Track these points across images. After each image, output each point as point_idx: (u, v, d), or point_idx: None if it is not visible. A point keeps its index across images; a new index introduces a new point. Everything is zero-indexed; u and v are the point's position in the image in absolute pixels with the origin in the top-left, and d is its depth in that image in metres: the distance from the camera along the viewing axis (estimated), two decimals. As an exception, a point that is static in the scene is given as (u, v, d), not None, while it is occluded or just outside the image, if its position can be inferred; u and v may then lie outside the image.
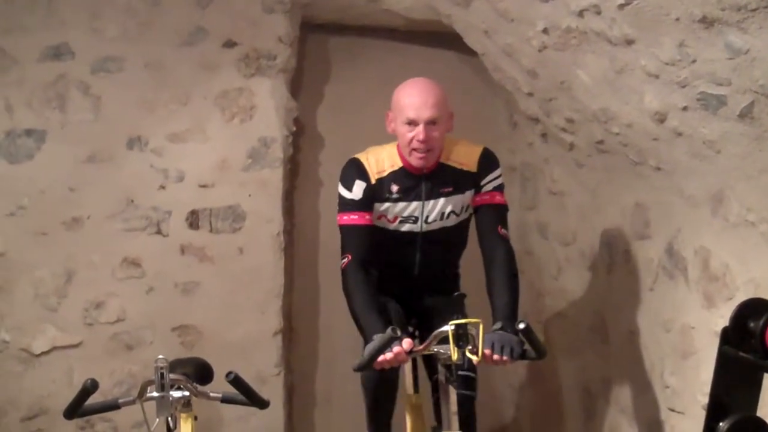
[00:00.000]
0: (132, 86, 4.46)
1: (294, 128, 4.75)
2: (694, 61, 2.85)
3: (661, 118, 3.25)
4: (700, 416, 2.93)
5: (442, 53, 5.01)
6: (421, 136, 3.34)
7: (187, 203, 4.55)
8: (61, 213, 4.39)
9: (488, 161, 3.58)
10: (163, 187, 4.51)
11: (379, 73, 4.99)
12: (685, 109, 3.08)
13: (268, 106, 4.62)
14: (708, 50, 2.75)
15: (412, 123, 3.35)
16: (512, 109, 4.99)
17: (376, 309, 3.33)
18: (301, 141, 4.96)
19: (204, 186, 4.56)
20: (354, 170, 3.52)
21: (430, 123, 3.34)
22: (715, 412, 2.69)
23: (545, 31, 3.58)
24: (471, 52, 4.63)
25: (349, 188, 3.49)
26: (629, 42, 3.09)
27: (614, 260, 4.23)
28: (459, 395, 3.22)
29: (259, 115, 4.61)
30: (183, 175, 4.52)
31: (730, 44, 2.65)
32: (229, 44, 4.57)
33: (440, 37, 4.89)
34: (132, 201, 4.47)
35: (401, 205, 3.52)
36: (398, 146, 3.52)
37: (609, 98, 3.54)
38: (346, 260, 3.45)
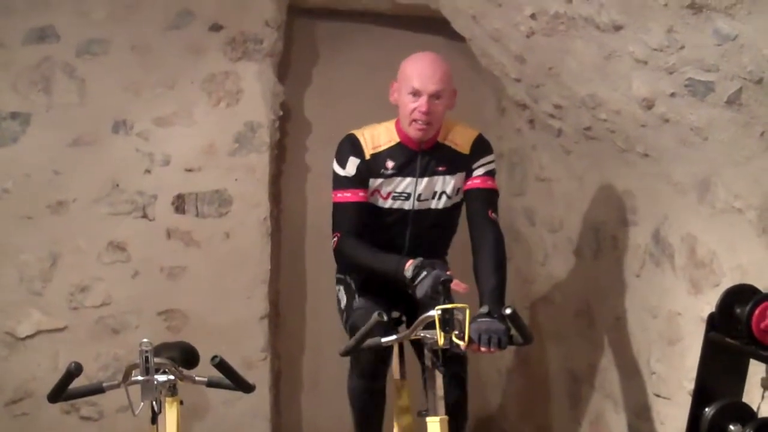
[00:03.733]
0: (118, 69, 4.44)
1: (281, 113, 4.73)
2: (682, 48, 2.85)
3: (648, 105, 3.26)
4: (686, 402, 2.95)
5: (430, 38, 4.98)
6: (423, 108, 3.36)
7: (173, 187, 4.53)
8: (46, 197, 4.37)
9: (482, 146, 3.60)
10: (148, 171, 4.49)
11: (366, 58, 4.98)
12: (672, 95, 3.08)
13: (254, 90, 4.60)
14: (696, 36, 2.75)
15: (416, 94, 3.38)
16: (500, 95, 4.99)
17: (382, 252, 3.42)
18: (288, 126, 4.94)
19: (190, 170, 4.54)
20: (348, 146, 3.53)
21: (434, 96, 3.37)
22: (701, 397, 2.71)
23: (533, 16, 3.57)
24: (458, 38, 4.61)
25: (343, 165, 3.51)
26: (617, 28, 3.08)
27: (601, 247, 4.23)
28: (450, 375, 3.24)
29: (245, 100, 4.59)
30: (169, 159, 4.50)
31: (719, 30, 2.65)
32: (216, 27, 4.54)
33: (428, 22, 4.87)
34: (117, 185, 4.45)
35: (395, 180, 3.53)
36: (396, 122, 3.55)
37: (597, 84, 3.54)
38: (336, 239, 3.49)
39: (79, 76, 4.39)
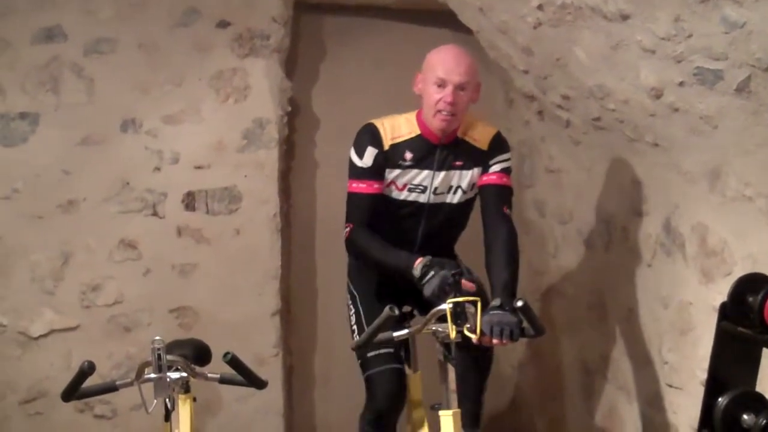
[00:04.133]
0: (125, 68, 4.44)
1: (289, 109, 4.73)
2: (690, 36, 2.84)
3: (657, 94, 3.24)
4: (698, 392, 2.94)
5: (437, 31, 4.97)
6: (448, 98, 3.35)
7: (182, 185, 4.54)
8: (56, 196, 4.38)
9: (500, 143, 3.60)
10: (158, 169, 4.49)
11: (373, 52, 4.98)
12: (681, 84, 3.07)
13: (262, 86, 4.60)
14: (704, 24, 2.74)
15: (441, 84, 3.37)
16: (508, 87, 4.98)
17: (395, 248, 3.42)
18: (296, 121, 4.93)
19: (200, 167, 4.54)
20: (368, 136, 3.52)
21: (459, 87, 3.37)
22: (713, 387, 2.70)
23: (540, 7, 3.56)
24: (466, 30, 4.60)
25: (360, 155, 3.50)
26: (625, 17, 3.07)
27: (612, 237, 4.23)
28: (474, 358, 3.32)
29: (253, 96, 4.59)
30: (178, 156, 4.51)
31: (726, 18, 2.63)
32: (223, 24, 4.55)
33: (434, 15, 4.86)
34: (127, 183, 4.45)
35: (412, 172, 3.53)
36: (417, 114, 3.54)
37: (605, 74, 3.53)
38: (348, 229, 3.49)
39: (87, 76, 4.40)
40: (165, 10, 4.48)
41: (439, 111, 3.40)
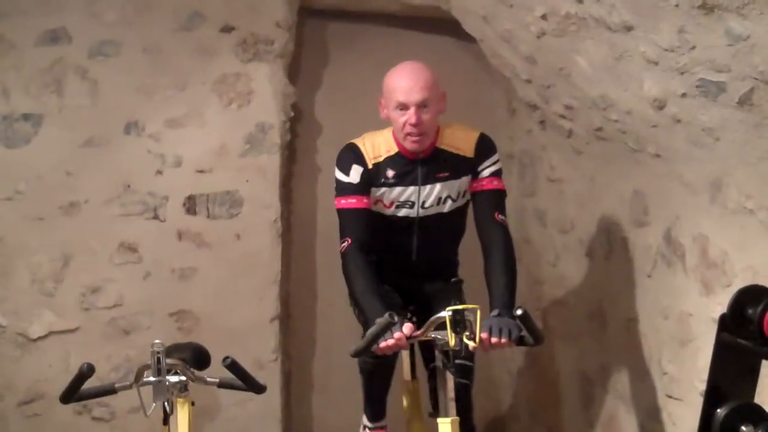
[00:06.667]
0: (129, 71, 4.45)
1: (292, 114, 4.74)
2: (693, 48, 2.84)
3: (660, 105, 3.25)
4: (697, 403, 2.93)
5: (441, 39, 5.00)
6: (412, 120, 3.34)
7: (184, 189, 4.54)
8: (58, 198, 4.39)
9: (485, 147, 3.57)
10: (160, 173, 4.50)
11: (377, 59, 4.93)
12: (684, 95, 3.07)
13: (265, 91, 4.61)
14: (708, 37, 2.74)
15: (403, 107, 3.35)
16: (511, 96, 4.99)
17: (376, 293, 3.33)
18: (298, 127, 4.94)
19: (201, 171, 4.55)
20: (351, 155, 3.52)
21: (421, 105, 3.34)
22: (712, 398, 2.69)
23: (544, 17, 3.56)
24: (469, 38, 4.61)
25: (346, 172, 3.49)
26: (628, 28, 3.08)
27: (612, 247, 4.23)
28: (455, 383, 3.22)
29: (256, 101, 4.60)
30: (180, 160, 4.51)
31: (730, 30, 2.64)
32: (227, 29, 4.55)
33: (438, 23, 4.88)
34: (129, 186, 4.46)
35: (397, 190, 3.52)
36: (393, 131, 3.52)
37: (608, 85, 3.53)
38: (345, 244, 3.44)
39: (91, 78, 4.41)
40: (169, 13, 4.49)
41: (408, 134, 3.39)
